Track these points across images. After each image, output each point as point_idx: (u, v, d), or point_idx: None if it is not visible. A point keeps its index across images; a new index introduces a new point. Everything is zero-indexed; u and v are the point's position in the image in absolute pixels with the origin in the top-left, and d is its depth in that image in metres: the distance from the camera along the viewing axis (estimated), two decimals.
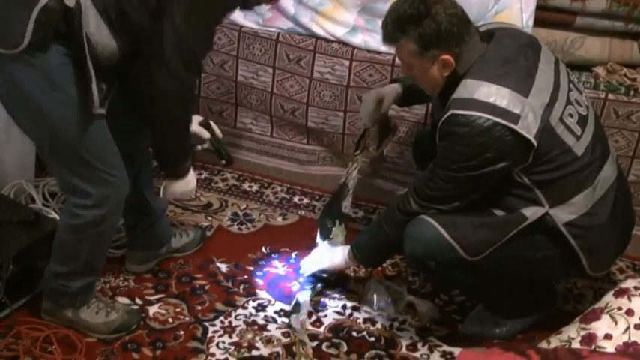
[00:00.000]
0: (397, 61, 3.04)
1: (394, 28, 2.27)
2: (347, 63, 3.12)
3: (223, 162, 2.71)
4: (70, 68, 2.10)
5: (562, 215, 2.29)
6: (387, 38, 2.32)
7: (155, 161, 2.49)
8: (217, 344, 2.51)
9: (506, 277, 2.43)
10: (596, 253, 2.37)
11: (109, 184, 2.29)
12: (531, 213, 2.30)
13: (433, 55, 2.26)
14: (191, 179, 2.48)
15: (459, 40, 2.24)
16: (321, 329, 2.60)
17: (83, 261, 2.40)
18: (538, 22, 2.95)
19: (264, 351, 2.49)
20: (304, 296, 2.67)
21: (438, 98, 2.38)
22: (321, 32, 3.12)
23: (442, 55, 2.25)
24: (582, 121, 2.34)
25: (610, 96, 2.92)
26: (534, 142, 2.18)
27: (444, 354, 2.53)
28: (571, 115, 2.30)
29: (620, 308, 2.15)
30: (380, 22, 2.36)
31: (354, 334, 2.59)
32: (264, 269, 2.85)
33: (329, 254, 2.70)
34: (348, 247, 2.62)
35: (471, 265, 2.34)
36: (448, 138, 2.23)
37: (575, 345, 2.13)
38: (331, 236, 2.77)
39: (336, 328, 2.61)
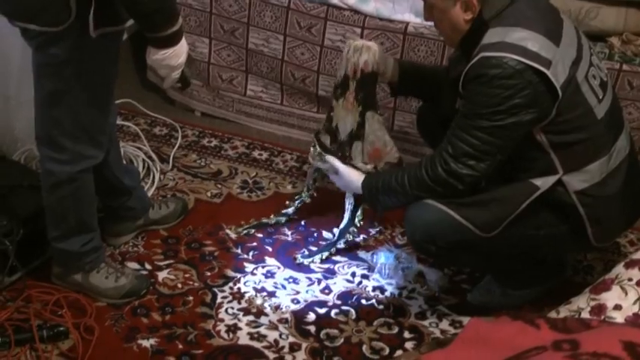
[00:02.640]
0: (409, 29, 3.03)
1: None
2: (358, 31, 3.10)
3: (179, 85, 2.29)
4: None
5: (575, 183, 2.27)
6: None
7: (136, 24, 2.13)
8: (226, 310, 2.52)
9: (508, 256, 2.43)
10: (602, 223, 2.35)
11: (89, 146, 2.31)
12: (542, 182, 2.27)
13: None
14: (179, 51, 2.14)
15: None
16: (330, 297, 2.60)
17: (73, 220, 2.41)
18: None
19: (273, 317, 2.50)
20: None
21: (460, 48, 2.34)
22: None
23: None
24: (603, 85, 2.32)
25: (625, 67, 2.90)
26: (560, 93, 2.15)
27: (452, 323, 2.53)
28: (594, 77, 2.28)
29: (630, 279, 2.15)
30: None
31: (363, 302, 2.60)
32: (274, 236, 2.85)
33: (347, 172, 2.57)
34: (362, 178, 2.49)
35: (472, 246, 2.32)
36: (477, 80, 2.17)
37: (585, 315, 2.13)
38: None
39: (344, 296, 2.61)
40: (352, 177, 2.52)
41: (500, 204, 2.29)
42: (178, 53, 2.14)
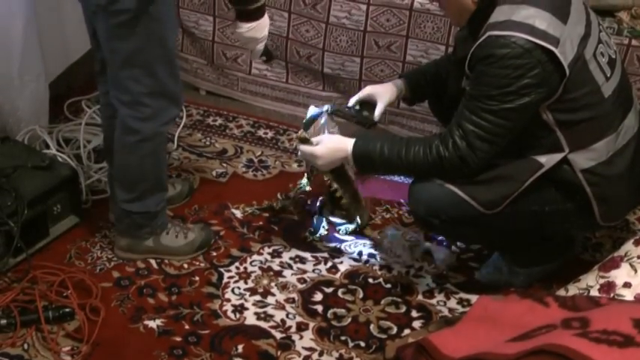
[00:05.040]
0: (415, 5, 3.00)
1: None
2: (364, 7, 3.07)
3: (264, 58, 2.53)
4: None
5: (581, 161, 2.25)
6: None
7: None
8: (233, 290, 2.51)
9: (513, 232, 2.40)
10: (609, 202, 2.33)
11: (168, 98, 2.35)
12: (547, 159, 2.24)
13: None
14: (263, 24, 2.34)
15: None
16: (337, 276, 2.59)
17: (152, 178, 2.46)
18: None
19: (280, 297, 2.49)
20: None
21: (467, 27, 2.31)
22: None
23: None
24: (612, 63, 2.29)
25: (634, 42, 2.85)
26: (567, 71, 2.13)
27: (460, 301, 2.52)
28: (602, 55, 2.25)
29: (639, 257, 2.13)
30: None
31: (370, 280, 2.58)
32: (280, 216, 2.83)
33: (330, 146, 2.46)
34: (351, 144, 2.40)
35: (476, 222, 2.31)
36: (485, 61, 2.15)
37: (594, 293, 2.12)
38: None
39: (352, 275, 2.60)
40: (338, 147, 2.42)
41: (504, 182, 2.28)
42: (263, 25, 2.34)
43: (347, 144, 2.40)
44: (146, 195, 2.48)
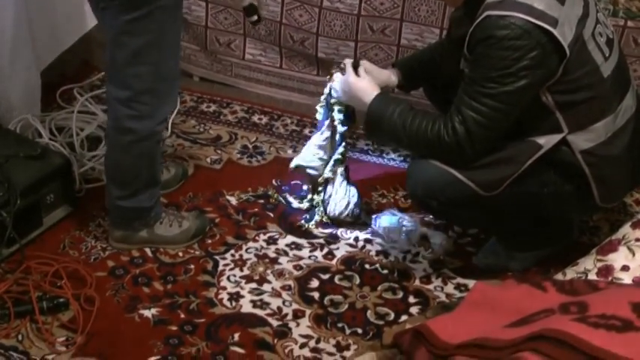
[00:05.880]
0: None
1: None
2: None
3: (255, 17, 2.47)
4: None
5: (580, 142, 2.24)
6: None
7: None
8: (228, 278, 2.50)
9: (512, 214, 2.39)
10: (607, 183, 2.32)
11: (167, 96, 2.34)
12: (546, 140, 2.23)
13: None
14: None
15: None
16: (333, 262, 2.58)
17: (146, 176, 2.45)
18: None
19: (276, 284, 2.48)
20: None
21: (463, 7, 2.29)
22: None
23: None
24: (609, 43, 2.27)
25: (629, 23, 2.84)
26: (567, 51, 2.11)
27: (457, 286, 2.50)
28: (600, 35, 2.24)
29: (638, 240, 2.13)
30: None
31: (367, 266, 2.57)
32: (275, 202, 2.82)
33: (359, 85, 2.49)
34: (373, 96, 2.41)
35: (475, 204, 2.29)
36: (485, 42, 2.13)
37: (592, 277, 2.11)
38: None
39: (348, 261, 2.59)
40: (368, 89, 2.44)
41: (503, 163, 2.26)
42: None
43: (373, 94, 2.40)
44: (139, 191, 2.46)
